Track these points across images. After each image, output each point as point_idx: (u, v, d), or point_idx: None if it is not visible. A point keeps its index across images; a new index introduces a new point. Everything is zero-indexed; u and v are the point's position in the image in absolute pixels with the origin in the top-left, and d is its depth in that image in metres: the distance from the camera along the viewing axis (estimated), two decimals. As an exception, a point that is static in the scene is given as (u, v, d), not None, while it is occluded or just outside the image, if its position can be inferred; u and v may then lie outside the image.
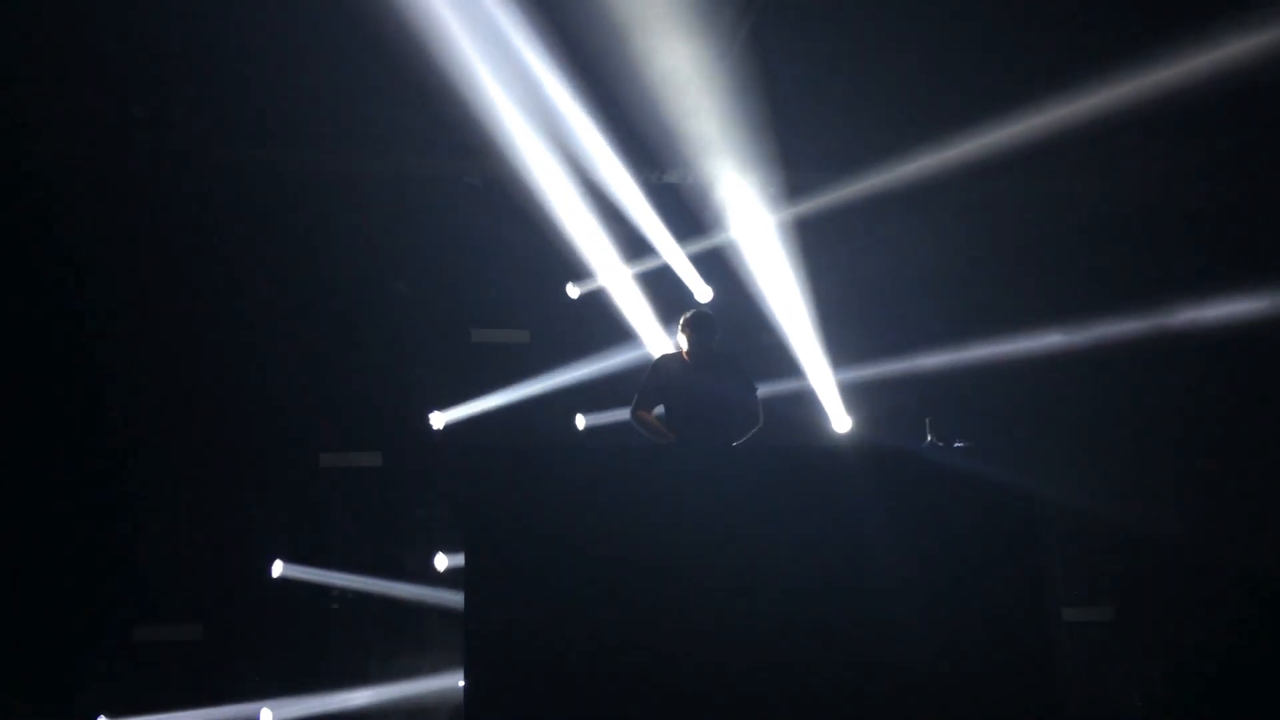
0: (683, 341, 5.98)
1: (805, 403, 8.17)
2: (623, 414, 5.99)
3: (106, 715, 6.64)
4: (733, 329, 7.85)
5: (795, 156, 7.99)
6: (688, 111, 7.32)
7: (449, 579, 7.52)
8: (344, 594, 7.53)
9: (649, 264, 8.44)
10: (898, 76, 7.32)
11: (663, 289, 8.42)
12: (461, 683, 4.73)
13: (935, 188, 7.83)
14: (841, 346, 8.18)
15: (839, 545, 4.94)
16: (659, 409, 6.02)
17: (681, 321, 6.00)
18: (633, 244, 8.32)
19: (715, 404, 5.82)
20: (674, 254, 8.41)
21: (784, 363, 8.17)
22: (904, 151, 7.68)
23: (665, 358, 6.06)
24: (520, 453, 5.20)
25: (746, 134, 7.48)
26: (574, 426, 8.34)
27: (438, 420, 8.11)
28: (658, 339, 8.16)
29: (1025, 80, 6.96)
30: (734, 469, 5.15)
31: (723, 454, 5.46)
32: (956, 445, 5.64)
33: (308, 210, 7.90)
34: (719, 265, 8.37)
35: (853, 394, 8.18)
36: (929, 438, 5.85)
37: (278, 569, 7.24)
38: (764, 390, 6.03)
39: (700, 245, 8.40)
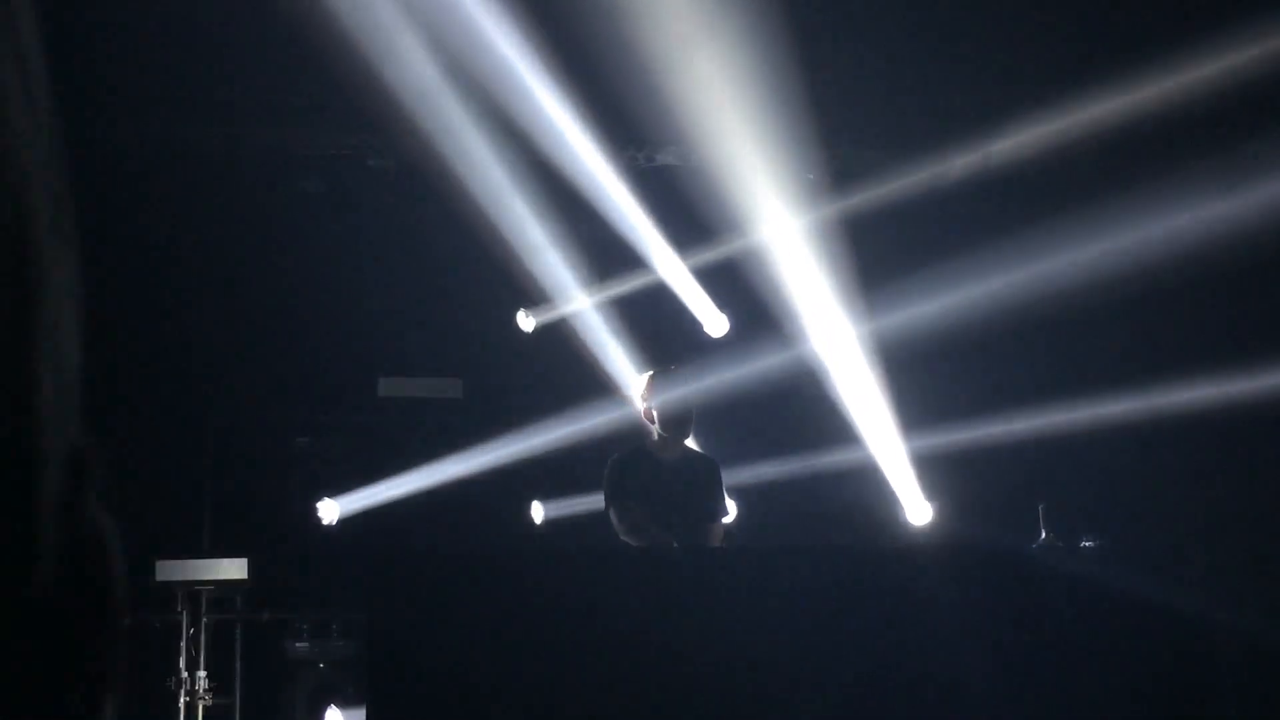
0: (653, 418, 6.02)
1: (866, 483, 8.18)
2: (602, 502, 5.91)
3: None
4: (761, 378, 7.78)
5: (846, 128, 8.01)
6: (687, 62, 7.17)
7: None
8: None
9: (635, 282, 8.42)
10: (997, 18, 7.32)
11: (656, 318, 8.38)
12: None
13: (1050, 175, 7.78)
14: (917, 403, 8.22)
15: (917, 687, 4.86)
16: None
17: (647, 383, 6.07)
18: (611, 254, 8.38)
19: (695, 511, 5.88)
20: (671, 268, 8.50)
21: (834, 425, 8.21)
22: (1007, 123, 7.73)
23: (626, 460, 6.06)
24: (451, 559, 5.09)
25: (775, 95, 7.33)
26: (529, 518, 8.23)
27: (328, 511, 7.99)
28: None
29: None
30: (768, 578, 5.06)
31: (751, 557, 5.37)
32: (1083, 544, 5.55)
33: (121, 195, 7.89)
34: (736, 284, 8.40)
35: (934, 470, 8.20)
36: (1043, 533, 5.77)
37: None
38: (806, 466, 5.97)
39: (709, 255, 8.47)
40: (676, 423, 6.03)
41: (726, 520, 6.18)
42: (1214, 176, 7.88)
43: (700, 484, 6.03)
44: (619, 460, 6.05)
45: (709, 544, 5.93)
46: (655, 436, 6.04)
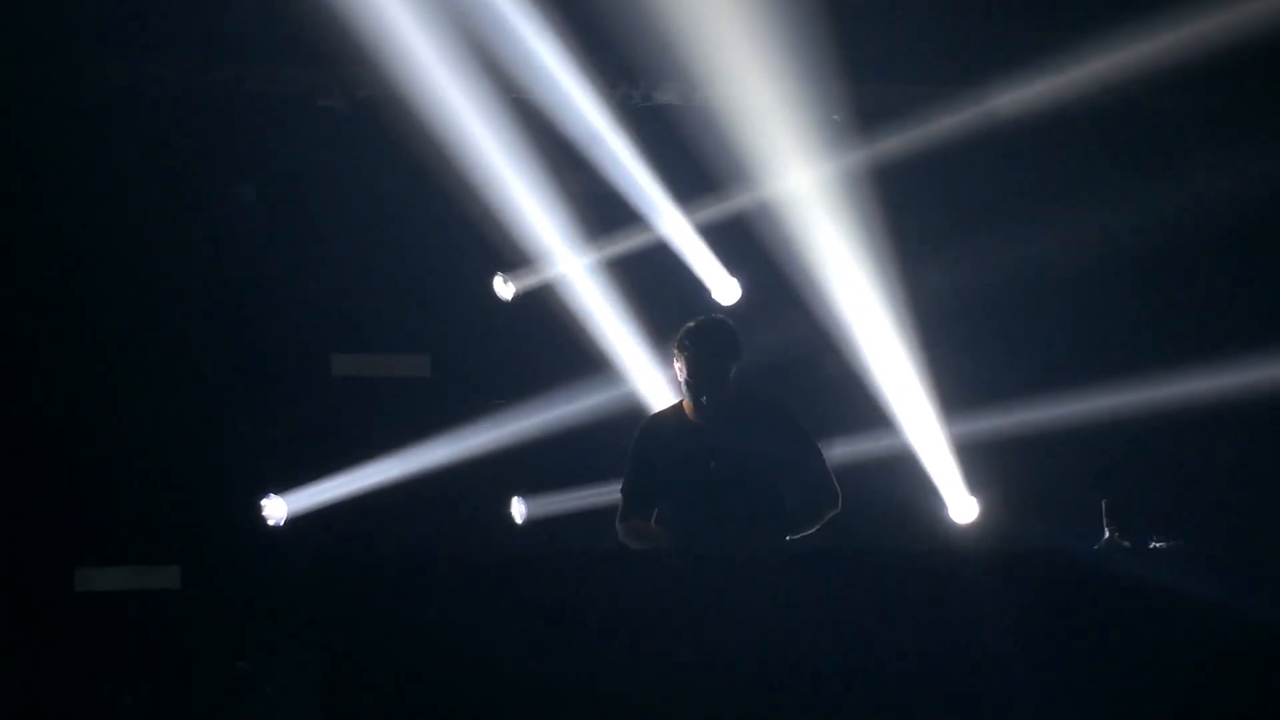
0: (681, 376, 5.91)
1: (900, 475, 8.25)
2: (595, 497, 5.92)
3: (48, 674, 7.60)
4: (778, 352, 7.77)
5: (877, 59, 8.02)
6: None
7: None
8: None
9: (631, 242, 8.51)
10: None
11: (656, 284, 8.44)
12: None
13: (1124, 110, 7.75)
14: (958, 381, 8.25)
15: (960, 709, 4.84)
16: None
17: (677, 341, 5.92)
18: (603, 209, 8.37)
19: (745, 485, 5.81)
20: (673, 224, 8.49)
21: (863, 408, 8.25)
22: (1069, 49, 7.72)
23: (657, 419, 6.06)
24: (417, 564, 5.07)
25: (793, 20, 7.41)
26: (509, 517, 8.22)
27: (275, 509, 7.97)
28: (648, 369, 8.08)
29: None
30: (788, 587, 5.05)
31: (767, 562, 5.35)
32: (1154, 545, 5.54)
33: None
34: (749, 243, 8.40)
35: (979, 459, 8.26)
36: (1107, 533, 5.78)
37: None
38: (835, 454, 5.92)
39: (717, 210, 8.47)
40: (697, 347, 5.84)
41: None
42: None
43: (757, 421, 5.90)
44: (643, 432, 6.01)
45: (792, 528, 5.91)
46: (688, 400, 5.93)
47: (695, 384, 5.85)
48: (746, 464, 5.80)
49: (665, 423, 6.00)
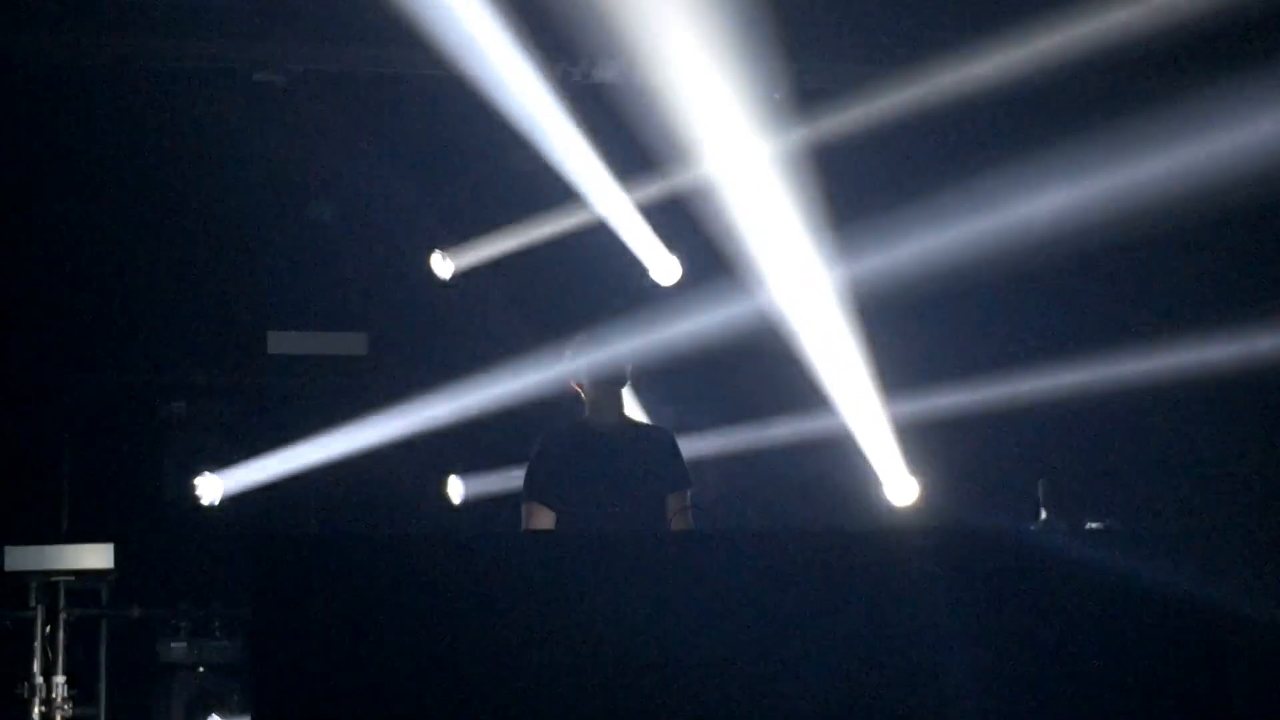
0: (581, 385, 6.02)
1: (840, 456, 8.25)
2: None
3: None
4: (717, 333, 7.79)
5: (817, 37, 7.95)
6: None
7: None
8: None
9: (570, 220, 8.38)
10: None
11: (595, 262, 8.34)
12: None
13: (1059, 93, 7.82)
14: (900, 363, 8.22)
15: (899, 689, 4.86)
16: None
17: (570, 355, 6.01)
18: (542, 186, 8.32)
19: (653, 502, 5.89)
20: (613, 203, 8.49)
21: (803, 389, 8.22)
22: (1007, 31, 7.60)
23: (555, 435, 6.04)
24: (352, 545, 5.04)
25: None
26: (445, 496, 8.21)
27: (209, 488, 7.94)
28: (582, 350, 8.06)
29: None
30: (726, 568, 5.04)
31: (706, 544, 5.36)
32: (1089, 526, 5.59)
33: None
34: (689, 222, 8.35)
35: (918, 440, 8.22)
36: (1042, 514, 5.84)
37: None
38: (769, 437, 5.96)
39: (657, 188, 8.47)
40: (608, 380, 5.95)
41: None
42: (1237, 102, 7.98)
43: (651, 455, 5.97)
44: (544, 440, 5.99)
45: (672, 522, 5.91)
46: (587, 407, 6.01)
47: (591, 405, 5.97)
48: (647, 469, 5.92)
49: (562, 438, 6.01)
